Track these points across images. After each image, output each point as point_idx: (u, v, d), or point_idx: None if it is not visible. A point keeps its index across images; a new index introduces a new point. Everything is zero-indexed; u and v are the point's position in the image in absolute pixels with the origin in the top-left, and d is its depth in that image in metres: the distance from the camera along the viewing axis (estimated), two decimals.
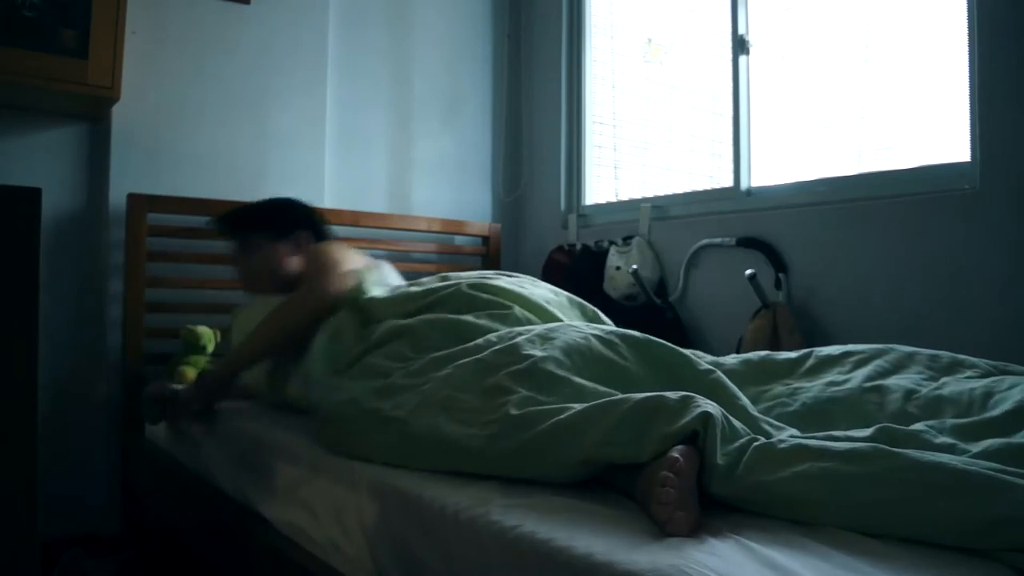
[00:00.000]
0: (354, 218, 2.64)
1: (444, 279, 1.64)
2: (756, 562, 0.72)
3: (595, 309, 1.73)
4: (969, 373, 1.23)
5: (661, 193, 2.67)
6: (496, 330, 1.35)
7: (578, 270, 2.69)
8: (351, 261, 1.75)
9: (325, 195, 2.65)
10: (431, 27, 2.98)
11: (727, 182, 2.42)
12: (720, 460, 0.87)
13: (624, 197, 2.84)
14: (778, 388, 1.29)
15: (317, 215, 1.98)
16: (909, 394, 1.17)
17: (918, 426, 1.03)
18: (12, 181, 1.90)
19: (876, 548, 0.75)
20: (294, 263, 1.83)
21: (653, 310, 2.46)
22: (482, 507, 0.90)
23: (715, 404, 0.94)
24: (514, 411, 1.02)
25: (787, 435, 1.01)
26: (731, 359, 1.46)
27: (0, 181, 1.66)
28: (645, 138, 2.84)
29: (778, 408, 1.21)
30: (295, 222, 1.90)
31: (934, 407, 1.13)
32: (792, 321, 2.03)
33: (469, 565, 0.88)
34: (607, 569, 0.73)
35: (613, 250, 2.57)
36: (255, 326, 1.63)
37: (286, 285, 1.79)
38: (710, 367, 1.19)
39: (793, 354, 1.44)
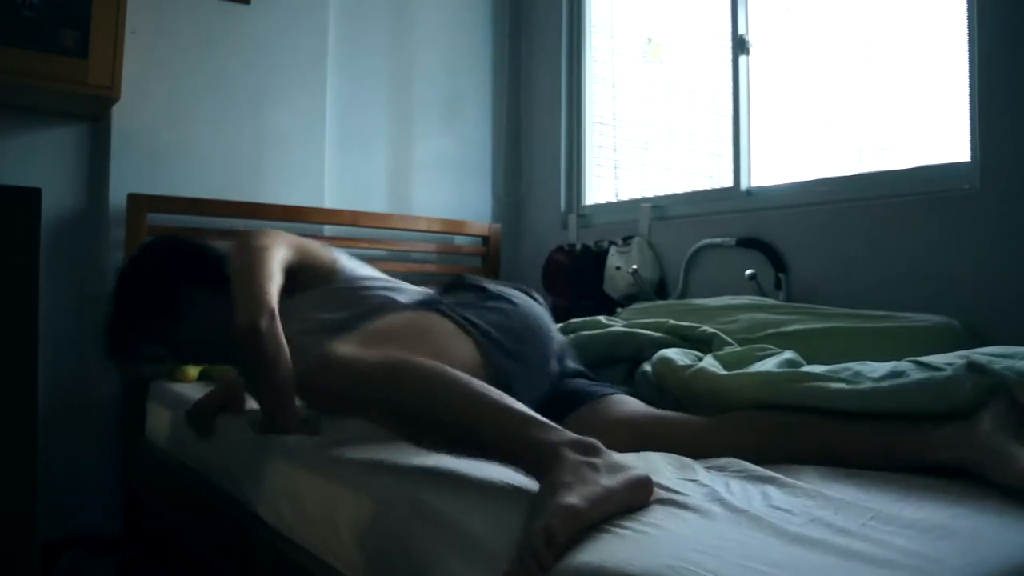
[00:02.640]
0: (354, 218, 2.64)
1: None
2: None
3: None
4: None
5: (661, 193, 2.67)
6: None
7: (578, 270, 2.69)
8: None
9: (325, 195, 2.65)
10: (431, 27, 2.98)
11: (727, 182, 2.42)
12: None
13: (624, 197, 2.84)
14: None
15: (175, 252, 1.58)
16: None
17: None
18: (12, 181, 1.90)
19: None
20: (203, 320, 1.51)
21: None
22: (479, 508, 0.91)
23: None
24: None
25: None
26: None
27: (0, 181, 1.67)
28: (645, 138, 2.84)
29: None
30: (162, 290, 1.51)
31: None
32: None
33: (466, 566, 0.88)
34: (598, 572, 0.73)
35: (613, 250, 2.57)
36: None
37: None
38: None
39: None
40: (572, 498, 0.80)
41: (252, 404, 1.56)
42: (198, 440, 1.57)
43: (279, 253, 1.45)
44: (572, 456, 0.89)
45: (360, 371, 1.04)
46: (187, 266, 1.56)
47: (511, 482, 0.99)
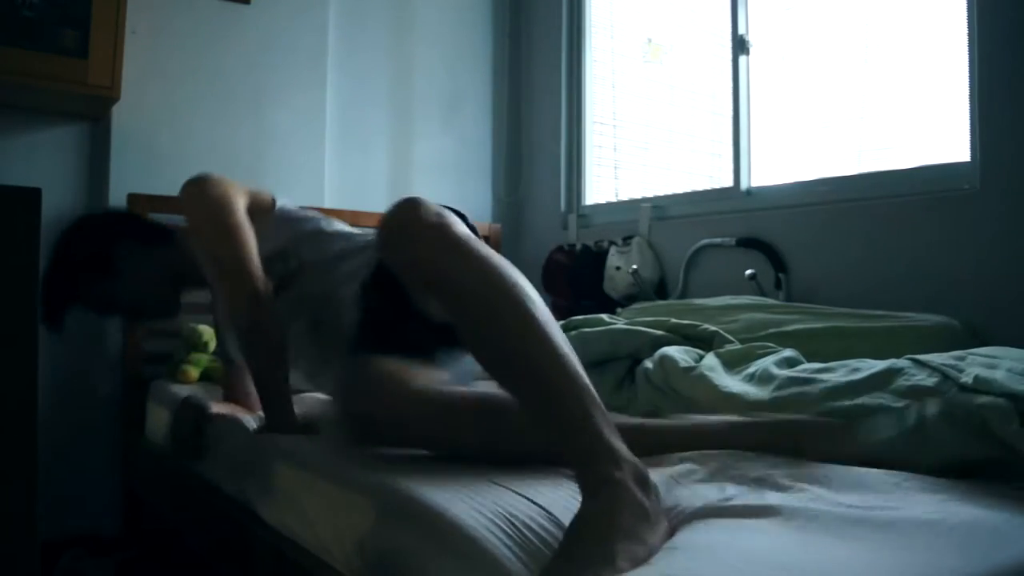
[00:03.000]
0: (354, 218, 2.63)
1: None
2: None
3: None
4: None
5: (661, 193, 2.67)
6: None
7: (578, 270, 2.69)
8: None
9: (325, 195, 2.65)
10: (431, 26, 2.98)
11: (727, 182, 2.42)
12: None
13: (624, 197, 2.84)
14: None
15: (105, 217, 1.67)
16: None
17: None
18: (12, 181, 1.89)
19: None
20: (141, 272, 1.55)
21: None
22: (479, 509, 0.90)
23: None
24: None
25: None
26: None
27: (0, 181, 1.67)
28: (645, 138, 2.84)
29: None
30: (100, 245, 1.56)
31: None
32: None
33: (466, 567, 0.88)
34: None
35: (613, 250, 2.57)
36: None
37: (176, 283, 1.58)
38: None
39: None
40: (625, 563, 0.71)
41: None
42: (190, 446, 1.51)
43: (239, 203, 1.43)
44: (634, 492, 0.79)
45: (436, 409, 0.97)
46: (120, 224, 1.62)
47: (512, 486, 0.98)
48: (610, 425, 0.84)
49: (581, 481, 0.81)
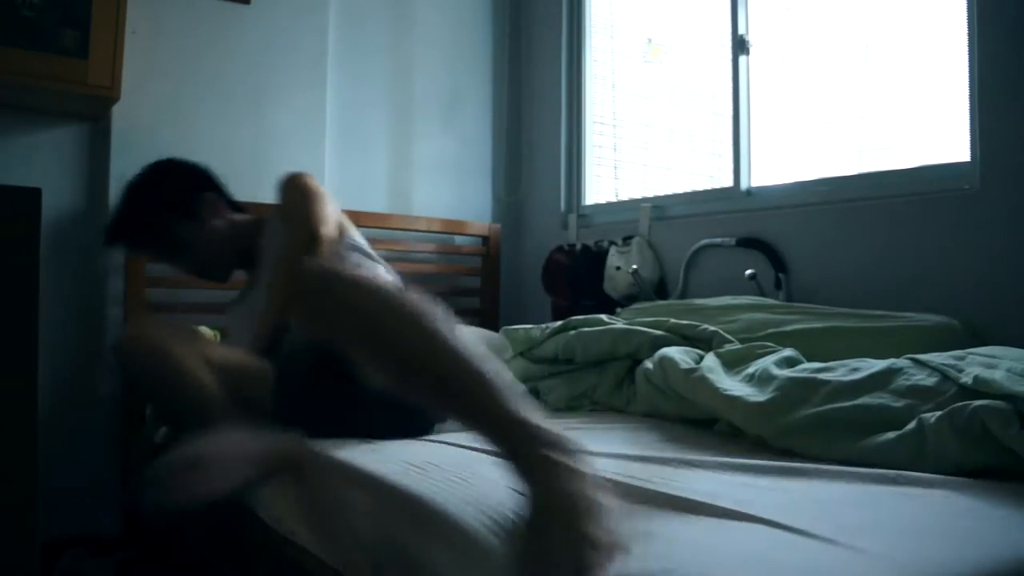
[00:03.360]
0: (354, 218, 2.60)
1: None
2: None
3: None
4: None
5: (661, 193, 2.67)
6: None
7: (578, 270, 2.69)
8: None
9: None
10: (431, 27, 2.98)
11: (727, 182, 2.42)
12: None
13: (624, 197, 2.84)
14: None
15: (199, 167, 1.76)
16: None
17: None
18: (12, 181, 1.89)
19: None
20: (221, 229, 1.65)
21: None
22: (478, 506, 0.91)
23: None
24: None
25: None
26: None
27: (0, 181, 1.66)
28: (645, 138, 2.84)
29: None
30: (186, 189, 1.67)
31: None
32: None
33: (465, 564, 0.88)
34: None
35: (613, 250, 2.57)
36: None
37: (239, 257, 1.65)
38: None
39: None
40: (598, 536, 0.73)
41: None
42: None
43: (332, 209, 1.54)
44: (561, 461, 0.80)
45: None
46: (207, 179, 1.70)
47: (512, 485, 0.98)
48: (525, 406, 0.85)
49: (513, 469, 0.83)
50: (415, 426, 1.39)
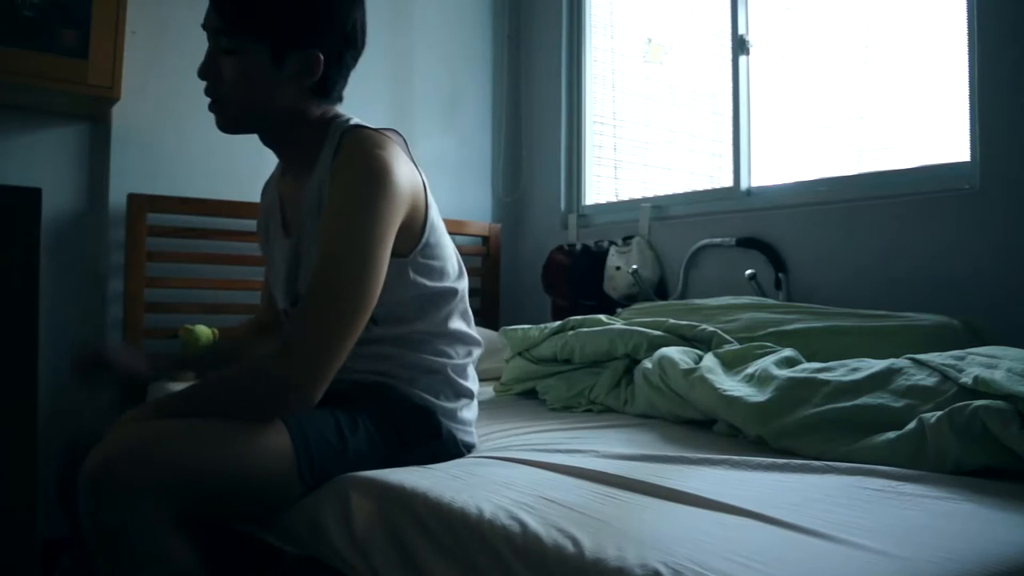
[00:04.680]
0: None
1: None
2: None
3: None
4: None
5: (661, 193, 2.67)
6: None
7: (578, 270, 2.69)
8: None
9: None
10: (431, 27, 2.98)
11: (727, 182, 2.42)
12: None
13: (624, 197, 2.84)
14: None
15: (356, 27, 1.31)
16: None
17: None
18: (12, 181, 1.90)
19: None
20: (287, 95, 1.24)
21: None
22: (479, 503, 0.91)
23: None
24: None
25: None
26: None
27: (0, 181, 1.67)
28: (645, 138, 2.84)
29: None
30: (315, 31, 1.22)
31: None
32: None
33: (465, 561, 0.88)
34: (598, 566, 0.74)
35: (613, 250, 2.57)
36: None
37: (269, 134, 1.31)
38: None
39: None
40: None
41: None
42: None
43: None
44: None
45: None
46: (318, 36, 1.23)
47: (511, 484, 0.99)
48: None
49: None
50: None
